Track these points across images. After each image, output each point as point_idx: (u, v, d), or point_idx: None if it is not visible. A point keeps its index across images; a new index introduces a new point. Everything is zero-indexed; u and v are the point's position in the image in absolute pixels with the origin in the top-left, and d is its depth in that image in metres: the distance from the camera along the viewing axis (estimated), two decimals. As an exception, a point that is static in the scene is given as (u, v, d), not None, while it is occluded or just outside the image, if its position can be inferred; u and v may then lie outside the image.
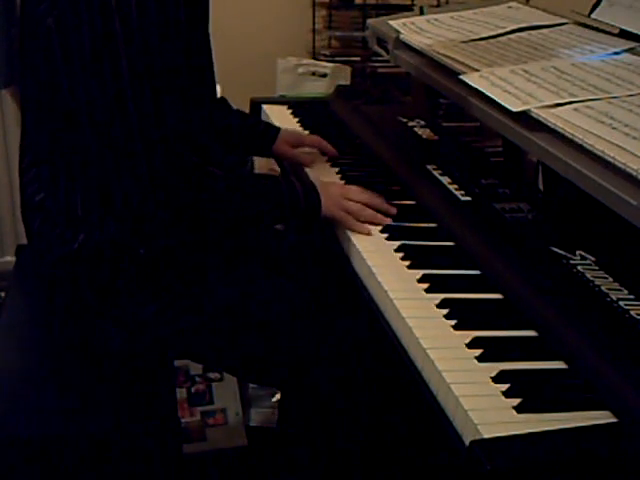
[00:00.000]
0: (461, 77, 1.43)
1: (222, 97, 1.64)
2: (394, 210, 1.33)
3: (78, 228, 1.22)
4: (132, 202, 1.16)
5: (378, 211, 1.32)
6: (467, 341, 1.00)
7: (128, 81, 1.10)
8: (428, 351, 0.99)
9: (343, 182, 1.49)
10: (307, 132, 1.80)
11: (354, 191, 1.34)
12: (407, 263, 1.20)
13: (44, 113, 1.22)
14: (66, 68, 1.13)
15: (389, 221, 1.31)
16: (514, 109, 1.26)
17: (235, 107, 1.66)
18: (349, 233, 1.29)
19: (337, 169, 1.57)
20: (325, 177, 1.53)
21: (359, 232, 1.28)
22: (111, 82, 1.10)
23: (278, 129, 1.66)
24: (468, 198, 1.35)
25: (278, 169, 2.10)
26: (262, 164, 2.27)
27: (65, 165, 1.21)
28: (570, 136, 1.16)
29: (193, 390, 2.02)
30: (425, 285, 1.14)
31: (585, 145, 1.12)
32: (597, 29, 1.59)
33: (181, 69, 1.18)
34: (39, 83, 1.20)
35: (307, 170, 1.56)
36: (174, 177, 1.16)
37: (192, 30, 1.21)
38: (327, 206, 1.30)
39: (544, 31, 1.65)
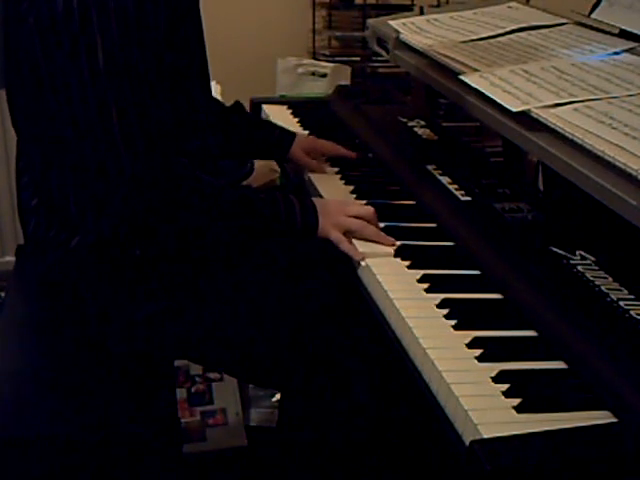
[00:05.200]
0: (461, 77, 1.43)
1: (237, 102, 1.63)
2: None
3: (73, 230, 1.22)
4: (115, 201, 1.16)
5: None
6: (467, 341, 1.00)
7: (106, 77, 1.09)
8: (428, 351, 0.99)
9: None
10: (307, 132, 1.80)
11: (354, 207, 1.30)
12: (407, 263, 1.20)
13: (31, 116, 1.22)
14: (47, 67, 1.13)
15: (392, 240, 1.24)
16: (514, 109, 1.26)
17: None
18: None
19: (337, 169, 1.57)
20: (325, 178, 1.54)
21: (353, 256, 1.22)
22: (89, 79, 1.09)
23: (294, 135, 1.64)
24: (468, 198, 1.35)
25: (278, 169, 2.10)
26: (261, 163, 2.27)
27: (56, 167, 1.21)
28: (570, 136, 1.15)
29: (193, 390, 2.02)
30: (425, 285, 1.14)
31: (585, 145, 1.12)
32: (597, 29, 1.59)
33: (164, 66, 1.17)
34: (23, 84, 1.20)
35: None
36: (158, 178, 1.16)
37: (176, 26, 1.21)
38: (324, 226, 1.25)
39: (544, 31, 1.65)
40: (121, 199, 1.15)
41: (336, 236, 1.25)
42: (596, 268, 1.10)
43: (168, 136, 1.19)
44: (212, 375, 2.04)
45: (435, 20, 1.83)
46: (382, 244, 1.24)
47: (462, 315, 1.05)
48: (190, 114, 1.31)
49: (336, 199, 1.37)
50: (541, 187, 1.54)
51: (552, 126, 1.20)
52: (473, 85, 1.39)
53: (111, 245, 1.22)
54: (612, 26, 1.54)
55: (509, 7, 1.85)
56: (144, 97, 1.14)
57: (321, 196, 1.45)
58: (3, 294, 2.22)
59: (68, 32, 1.09)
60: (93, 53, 1.09)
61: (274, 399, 1.99)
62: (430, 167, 1.48)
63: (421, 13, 1.91)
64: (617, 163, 1.06)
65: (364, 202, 1.39)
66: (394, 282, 1.15)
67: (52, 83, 1.13)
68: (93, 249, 1.22)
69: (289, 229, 1.25)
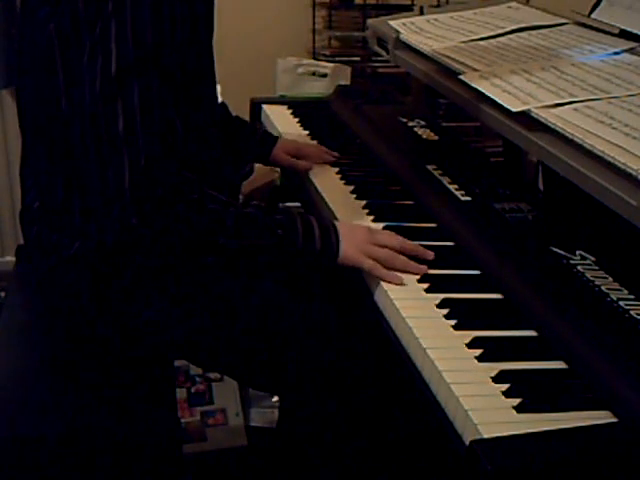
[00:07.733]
0: (461, 77, 1.43)
1: (222, 102, 1.62)
2: (431, 255, 1.20)
3: (75, 236, 1.21)
4: (115, 210, 1.14)
5: (412, 258, 1.19)
6: (467, 341, 1.00)
7: (116, 82, 1.09)
8: (428, 351, 0.99)
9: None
10: (307, 132, 1.80)
11: (383, 236, 1.23)
12: (407, 263, 1.20)
13: (41, 120, 1.22)
14: (64, 74, 1.13)
15: (425, 270, 1.17)
16: (514, 109, 1.26)
17: (234, 113, 1.65)
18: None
19: (337, 169, 1.57)
20: (325, 177, 1.54)
21: (389, 282, 1.15)
22: (101, 83, 1.09)
23: (276, 137, 1.66)
24: (468, 198, 1.35)
25: (278, 169, 2.10)
26: (261, 166, 2.27)
27: (62, 173, 1.21)
28: (570, 136, 1.15)
29: (193, 390, 2.02)
30: (425, 285, 1.14)
31: (585, 145, 1.12)
32: (597, 29, 1.59)
33: (177, 75, 1.17)
34: (37, 89, 1.20)
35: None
36: (158, 191, 1.13)
37: (190, 36, 1.21)
38: (349, 252, 1.19)
39: (544, 31, 1.65)
40: (120, 208, 1.14)
41: (369, 264, 1.18)
42: (596, 268, 1.10)
43: (176, 148, 1.18)
44: (212, 375, 2.05)
45: (435, 20, 1.83)
46: (413, 274, 1.17)
47: (462, 315, 1.06)
48: (200, 124, 1.30)
49: (363, 225, 1.29)
50: (541, 187, 1.54)
51: (552, 126, 1.20)
52: (473, 85, 1.39)
53: (111, 252, 1.21)
54: (612, 26, 1.54)
55: (509, 7, 1.85)
56: (152, 107, 1.13)
57: (321, 196, 1.45)
58: (3, 294, 2.23)
59: (89, 41, 1.09)
60: (107, 59, 1.09)
61: (274, 399, 1.99)
62: (430, 167, 1.48)
63: (421, 13, 1.91)
64: (617, 163, 1.06)
65: (364, 202, 1.40)
66: (394, 282, 1.15)
67: (67, 90, 1.13)
68: (94, 254, 1.22)
69: (307, 250, 1.20)
